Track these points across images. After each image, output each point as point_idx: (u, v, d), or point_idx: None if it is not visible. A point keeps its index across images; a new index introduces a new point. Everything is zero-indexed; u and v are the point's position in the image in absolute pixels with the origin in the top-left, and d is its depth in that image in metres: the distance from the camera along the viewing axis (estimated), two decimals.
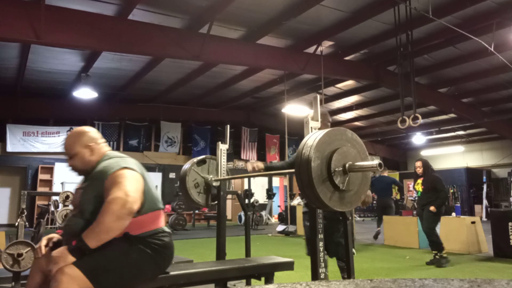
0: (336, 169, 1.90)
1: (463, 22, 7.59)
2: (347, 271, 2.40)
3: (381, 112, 14.52)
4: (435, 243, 5.46)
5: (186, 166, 3.35)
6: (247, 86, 11.92)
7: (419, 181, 5.89)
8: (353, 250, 5.34)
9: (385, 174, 8.99)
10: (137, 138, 13.96)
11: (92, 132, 2.22)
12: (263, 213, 13.68)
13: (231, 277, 2.22)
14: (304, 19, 7.56)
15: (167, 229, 2.09)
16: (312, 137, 1.94)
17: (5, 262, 2.95)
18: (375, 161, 1.95)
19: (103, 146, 2.20)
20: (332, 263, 4.70)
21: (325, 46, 9.02)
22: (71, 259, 1.80)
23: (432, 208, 5.44)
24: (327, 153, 1.91)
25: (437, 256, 5.52)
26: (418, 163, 5.83)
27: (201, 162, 3.37)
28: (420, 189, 5.83)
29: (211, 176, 3.36)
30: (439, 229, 7.06)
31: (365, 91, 12.32)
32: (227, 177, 3.37)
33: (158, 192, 2.19)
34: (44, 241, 1.99)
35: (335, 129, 2.00)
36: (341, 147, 1.95)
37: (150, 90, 12.15)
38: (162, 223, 2.09)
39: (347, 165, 1.93)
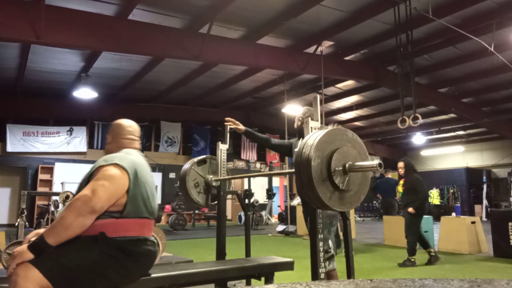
0: (336, 168, 1.90)
1: (463, 22, 7.59)
2: (347, 271, 2.40)
3: (381, 112, 14.52)
4: (410, 245, 5.45)
5: (186, 166, 3.35)
6: (247, 86, 11.92)
7: (401, 182, 5.90)
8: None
9: (389, 175, 9.11)
10: None
11: (122, 126, 2.31)
12: (263, 213, 13.67)
13: (231, 277, 2.22)
14: (304, 19, 7.56)
15: (151, 239, 2.02)
16: (313, 137, 1.94)
17: (5, 262, 2.95)
18: (375, 161, 1.94)
19: (126, 142, 2.24)
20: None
21: (325, 46, 9.02)
22: (29, 256, 1.72)
23: (410, 209, 5.42)
24: (327, 153, 1.91)
25: (432, 253, 5.53)
26: (401, 164, 5.80)
27: (202, 162, 3.37)
28: (401, 190, 5.83)
29: (211, 176, 3.36)
30: (438, 230, 7.07)
31: (365, 91, 12.32)
32: (227, 177, 3.37)
33: (153, 201, 2.10)
34: (31, 235, 1.94)
35: (335, 129, 2.00)
36: (342, 147, 1.95)
37: (150, 90, 12.15)
38: (147, 232, 2.01)
39: (347, 165, 1.93)
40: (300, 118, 3.51)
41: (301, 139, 3.38)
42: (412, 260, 5.38)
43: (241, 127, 3.35)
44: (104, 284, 1.87)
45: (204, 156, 3.44)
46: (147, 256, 1.97)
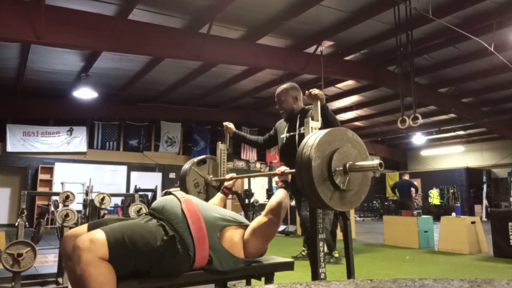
0: (337, 168, 1.89)
1: (463, 22, 7.59)
2: (347, 271, 2.40)
3: (381, 112, 14.51)
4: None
5: (186, 166, 3.34)
6: (247, 86, 11.92)
7: None
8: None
9: (406, 177, 10.27)
10: (137, 138, 13.96)
11: None
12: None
13: (231, 277, 2.22)
14: (304, 19, 7.56)
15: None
16: (313, 137, 1.94)
17: (5, 262, 2.95)
18: (376, 161, 1.94)
19: None
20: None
21: (325, 46, 9.02)
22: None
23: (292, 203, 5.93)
24: (327, 153, 1.91)
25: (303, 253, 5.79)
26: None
27: (201, 162, 3.36)
28: None
29: (211, 176, 3.35)
30: (438, 230, 7.07)
31: (365, 91, 12.32)
32: (227, 177, 3.37)
33: None
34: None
35: (335, 129, 2.00)
36: (342, 147, 1.95)
37: (150, 90, 12.15)
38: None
39: (347, 165, 1.93)
40: (282, 97, 3.19)
41: (283, 121, 3.32)
42: (304, 254, 5.75)
43: (231, 129, 3.34)
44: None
45: (203, 156, 3.42)
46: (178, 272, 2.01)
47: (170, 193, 2.20)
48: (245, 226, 2.17)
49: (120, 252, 1.74)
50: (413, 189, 10.11)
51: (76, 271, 1.66)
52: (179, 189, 2.34)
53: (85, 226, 2.03)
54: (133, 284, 1.81)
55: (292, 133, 3.17)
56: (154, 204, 2.14)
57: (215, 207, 2.25)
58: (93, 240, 1.70)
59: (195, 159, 3.36)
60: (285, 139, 3.23)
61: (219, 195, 2.73)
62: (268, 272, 2.28)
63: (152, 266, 1.84)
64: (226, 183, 2.75)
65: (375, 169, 1.91)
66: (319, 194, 1.85)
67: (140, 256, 1.80)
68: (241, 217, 2.23)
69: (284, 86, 3.21)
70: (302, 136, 3.10)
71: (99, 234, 1.74)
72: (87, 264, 1.64)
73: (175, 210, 2.02)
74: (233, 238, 2.07)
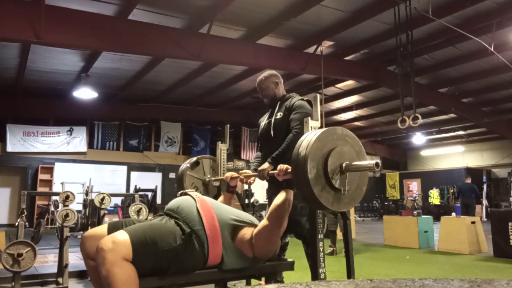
0: (334, 174, 1.89)
1: (463, 22, 7.59)
2: (347, 271, 2.40)
3: (381, 112, 14.51)
4: None
5: (183, 166, 3.32)
6: (247, 86, 11.91)
7: None
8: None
9: (468, 181, 11.66)
10: (137, 138, 13.96)
11: None
12: (263, 213, 13.66)
13: (231, 277, 2.22)
14: (304, 19, 7.56)
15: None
16: (304, 145, 1.91)
17: (5, 262, 2.95)
18: (372, 161, 1.93)
19: None
20: (332, 263, 4.72)
21: (325, 46, 9.02)
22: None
23: None
24: (321, 160, 1.89)
25: None
26: None
27: (195, 165, 3.33)
28: None
29: (209, 176, 3.34)
30: (438, 230, 7.07)
31: (365, 91, 12.32)
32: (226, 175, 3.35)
33: None
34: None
35: (325, 131, 1.96)
36: (334, 148, 1.93)
37: (150, 90, 12.15)
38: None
39: (343, 165, 1.92)
40: (263, 85, 3.08)
41: (265, 114, 3.24)
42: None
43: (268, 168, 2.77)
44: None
45: (195, 158, 3.38)
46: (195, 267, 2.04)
47: (185, 194, 2.23)
48: (255, 227, 2.18)
49: (143, 252, 1.78)
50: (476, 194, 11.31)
51: (101, 272, 1.69)
52: (194, 190, 2.36)
53: (104, 226, 2.06)
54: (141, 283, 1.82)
55: (269, 119, 3.08)
56: (169, 204, 2.17)
57: (229, 207, 2.27)
58: (116, 242, 1.73)
59: (188, 164, 3.33)
60: (264, 125, 3.13)
61: (226, 195, 2.69)
62: (268, 272, 2.28)
63: (170, 264, 1.88)
64: (230, 184, 2.71)
65: (372, 170, 1.90)
66: (320, 201, 1.84)
67: (161, 256, 1.84)
68: (255, 219, 2.24)
69: (264, 74, 3.13)
70: (276, 122, 2.98)
71: (122, 235, 1.77)
72: (111, 264, 1.67)
73: (190, 209, 2.05)
74: (244, 238, 2.09)
